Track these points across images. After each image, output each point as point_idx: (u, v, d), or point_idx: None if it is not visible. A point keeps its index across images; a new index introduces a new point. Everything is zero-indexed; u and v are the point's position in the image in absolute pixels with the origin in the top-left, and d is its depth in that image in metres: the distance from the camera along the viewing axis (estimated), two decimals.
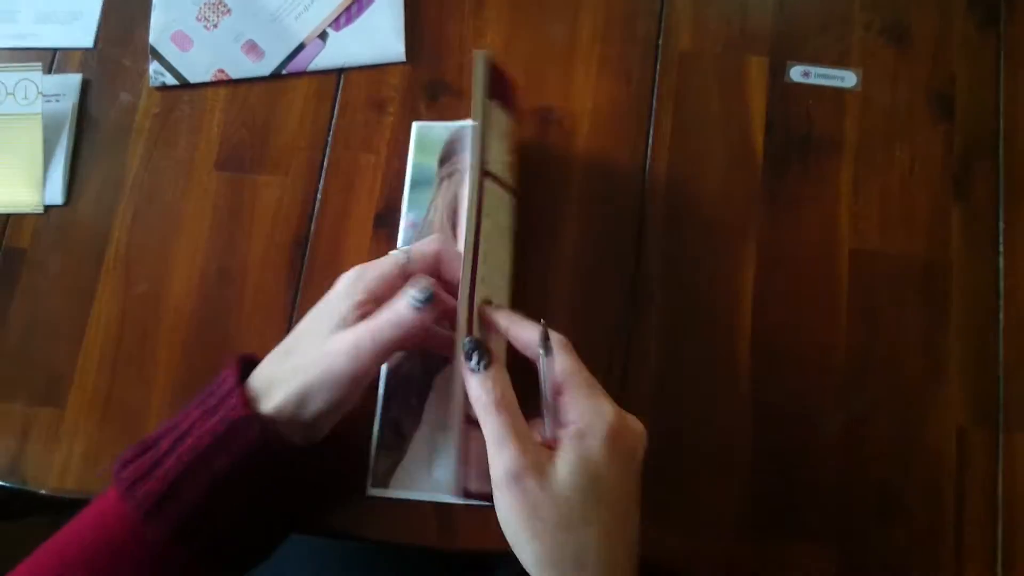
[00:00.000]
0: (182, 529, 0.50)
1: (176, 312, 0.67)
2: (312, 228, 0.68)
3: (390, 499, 0.61)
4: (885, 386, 0.63)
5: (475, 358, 0.49)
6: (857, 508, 0.61)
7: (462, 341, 0.50)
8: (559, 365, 0.50)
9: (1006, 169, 0.66)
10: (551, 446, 0.48)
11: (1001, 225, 0.65)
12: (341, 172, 0.69)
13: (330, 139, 0.70)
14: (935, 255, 0.65)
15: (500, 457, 0.47)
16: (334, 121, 0.70)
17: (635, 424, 0.50)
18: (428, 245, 0.56)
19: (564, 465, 0.47)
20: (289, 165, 0.69)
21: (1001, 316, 0.64)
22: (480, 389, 0.49)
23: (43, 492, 0.64)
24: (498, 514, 0.48)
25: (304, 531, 0.61)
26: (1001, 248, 0.65)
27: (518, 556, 0.48)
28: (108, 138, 0.71)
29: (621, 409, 0.49)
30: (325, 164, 0.69)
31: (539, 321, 0.51)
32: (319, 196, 0.68)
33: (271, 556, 0.58)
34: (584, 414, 0.48)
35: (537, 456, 0.47)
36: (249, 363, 0.55)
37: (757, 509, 0.61)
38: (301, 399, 0.52)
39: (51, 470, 0.64)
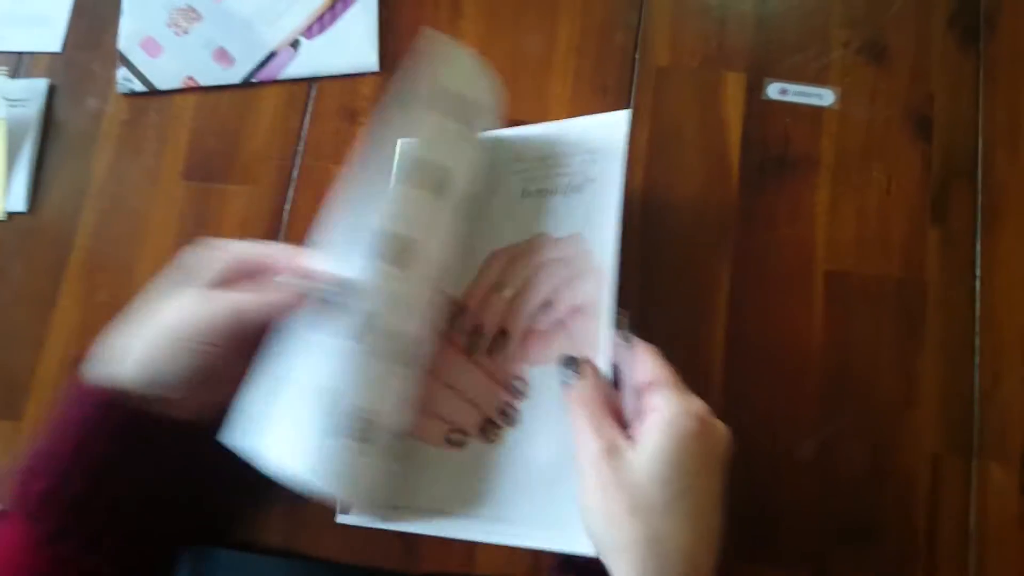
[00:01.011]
0: (71, 527, 0.51)
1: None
2: (281, 239, 0.67)
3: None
4: (859, 410, 0.62)
5: (566, 371, 0.52)
6: (829, 534, 0.60)
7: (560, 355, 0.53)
8: (651, 362, 0.51)
9: (984, 191, 0.66)
10: (635, 437, 0.49)
11: (978, 248, 0.65)
12: (311, 183, 0.68)
13: (300, 149, 0.69)
14: (911, 277, 0.64)
15: (579, 446, 0.49)
16: (305, 131, 0.69)
17: (722, 425, 0.49)
18: (260, 247, 0.55)
19: (644, 451, 0.47)
20: (258, 175, 0.68)
21: (977, 341, 0.63)
22: (570, 395, 0.52)
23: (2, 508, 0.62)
24: (579, 500, 0.49)
25: (255, 550, 0.60)
26: (978, 272, 0.64)
27: (596, 545, 0.48)
28: (74, 144, 0.70)
29: (709, 408, 0.49)
30: (295, 174, 0.68)
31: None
32: (288, 207, 0.67)
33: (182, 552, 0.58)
34: (671, 405, 0.48)
35: (613, 441, 0.48)
36: None
37: (728, 533, 0.60)
38: (170, 351, 0.51)
39: (5, 485, 0.62)
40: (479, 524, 0.55)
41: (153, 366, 0.51)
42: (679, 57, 0.69)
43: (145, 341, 0.52)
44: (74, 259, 0.67)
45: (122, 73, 0.70)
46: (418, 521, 0.56)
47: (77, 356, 0.55)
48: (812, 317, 0.64)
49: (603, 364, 0.52)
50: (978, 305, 0.64)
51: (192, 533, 0.60)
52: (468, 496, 0.56)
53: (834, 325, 0.63)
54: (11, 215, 0.68)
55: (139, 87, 0.70)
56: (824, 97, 0.68)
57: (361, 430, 0.52)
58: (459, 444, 0.57)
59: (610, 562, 0.47)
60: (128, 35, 0.71)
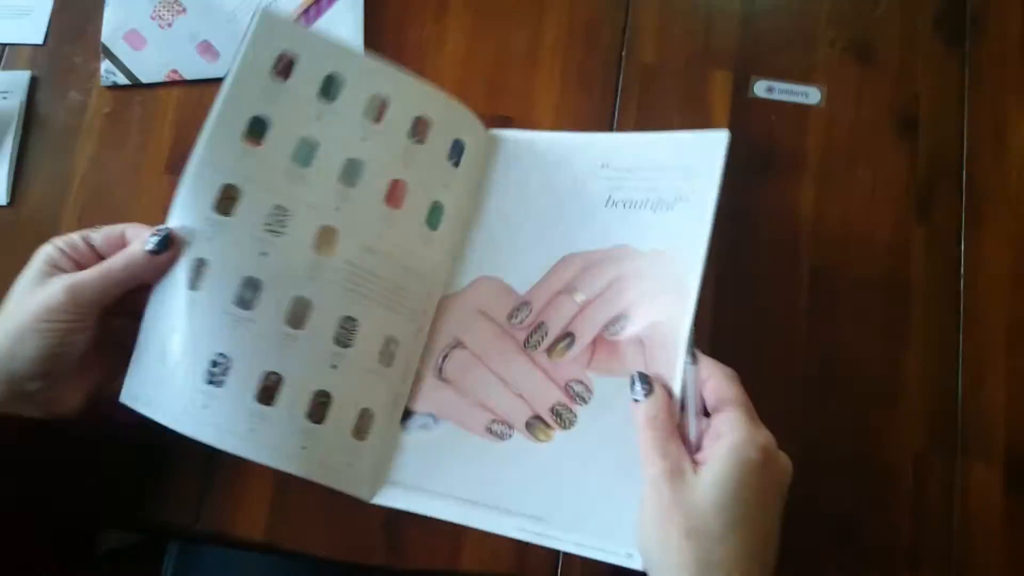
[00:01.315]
0: None
1: None
2: None
3: None
4: (843, 408, 0.62)
5: (637, 388, 0.52)
6: (813, 533, 0.60)
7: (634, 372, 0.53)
8: (724, 385, 0.51)
9: (969, 190, 0.66)
10: (699, 461, 0.49)
11: (963, 246, 0.65)
12: None
13: None
14: (896, 276, 0.64)
15: (644, 464, 0.49)
16: None
17: (785, 459, 0.49)
18: (114, 227, 0.57)
19: (707, 476, 0.47)
20: None
21: (961, 339, 0.63)
22: (639, 413, 0.51)
23: None
24: (638, 517, 0.49)
25: (241, 547, 0.59)
26: (962, 270, 0.64)
27: (646, 563, 0.49)
28: (56, 137, 0.69)
29: (774, 440, 0.49)
30: None
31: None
32: None
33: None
34: (738, 433, 0.48)
35: (678, 464, 0.48)
36: None
37: None
38: (7, 352, 0.51)
39: None
40: (514, 521, 0.54)
41: (4, 362, 0.51)
42: (666, 55, 0.69)
43: (14, 323, 0.52)
44: None
45: (105, 66, 0.70)
46: (453, 509, 0.56)
47: None
48: (797, 315, 0.64)
49: (676, 385, 0.52)
50: (962, 303, 0.64)
51: (98, 518, 0.60)
52: (505, 490, 0.55)
53: (819, 322, 0.64)
54: None
55: (122, 80, 0.70)
56: (810, 96, 0.68)
57: (218, 375, 0.53)
58: (501, 436, 0.57)
59: None
60: (112, 28, 0.70)
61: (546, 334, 0.58)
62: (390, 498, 0.57)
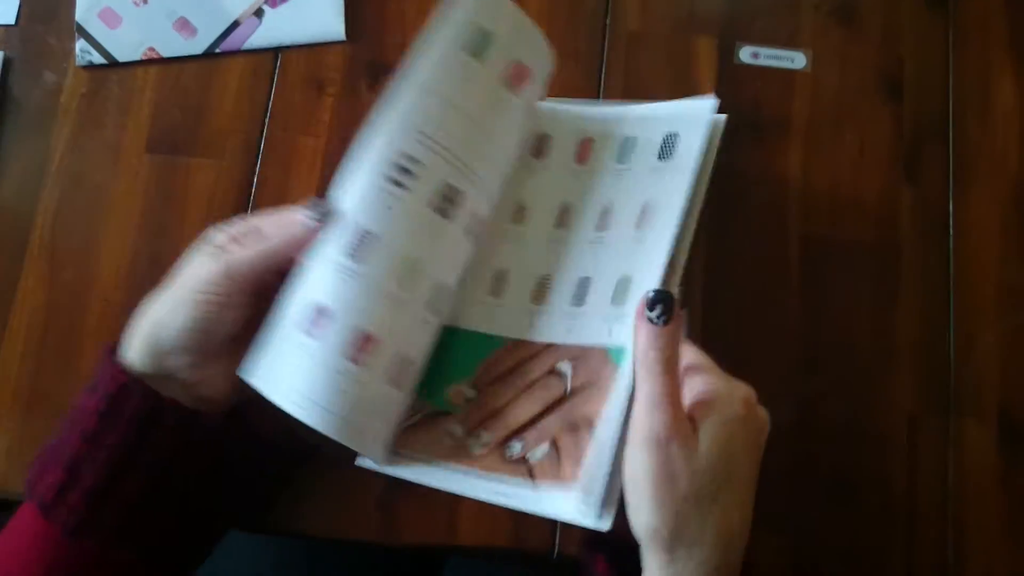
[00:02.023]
0: (89, 520, 0.49)
1: (105, 301, 0.64)
2: (249, 211, 0.65)
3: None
4: (836, 372, 0.62)
5: (658, 309, 0.46)
6: (809, 495, 0.60)
7: (647, 290, 0.47)
8: (690, 353, 0.49)
9: (956, 151, 0.66)
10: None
11: (951, 208, 0.65)
12: (279, 155, 0.66)
13: (267, 120, 0.67)
14: (885, 239, 0.64)
15: (650, 418, 0.45)
16: (271, 102, 0.67)
17: (764, 412, 0.48)
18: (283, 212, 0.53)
19: (706, 439, 0.45)
20: (224, 147, 0.66)
21: (952, 300, 0.63)
22: (652, 344, 0.46)
23: None
24: (625, 475, 0.46)
25: (239, 527, 0.59)
26: (951, 231, 0.64)
27: (632, 520, 0.46)
28: (31, 119, 0.68)
29: (754, 391, 0.48)
30: (262, 146, 0.67)
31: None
32: (256, 180, 0.66)
33: (210, 554, 0.56)
34: (720, 389, 0.47)
35: (685, 424, 0.45)
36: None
37: None
38: (156, 322, 0.50)
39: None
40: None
41: (154, 330, 0.50)
42: (650, 22, 0.69)
43: (150, 309, 0.51)
44: (36, 237, 0.65)
45: (80, 45, 0.68)
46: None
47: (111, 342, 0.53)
48: (788, 280, 0.64)
49: None
50: (952, 264, 0.64)
51: (235, 519, 0.58)
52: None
53: (809, 287, 0.63)
54: None
55: (98, 59, 0.68)
56: (796, 60, 0.68)
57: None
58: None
59: (648, 545, 0.46)
60: (86, 6, 0.69)
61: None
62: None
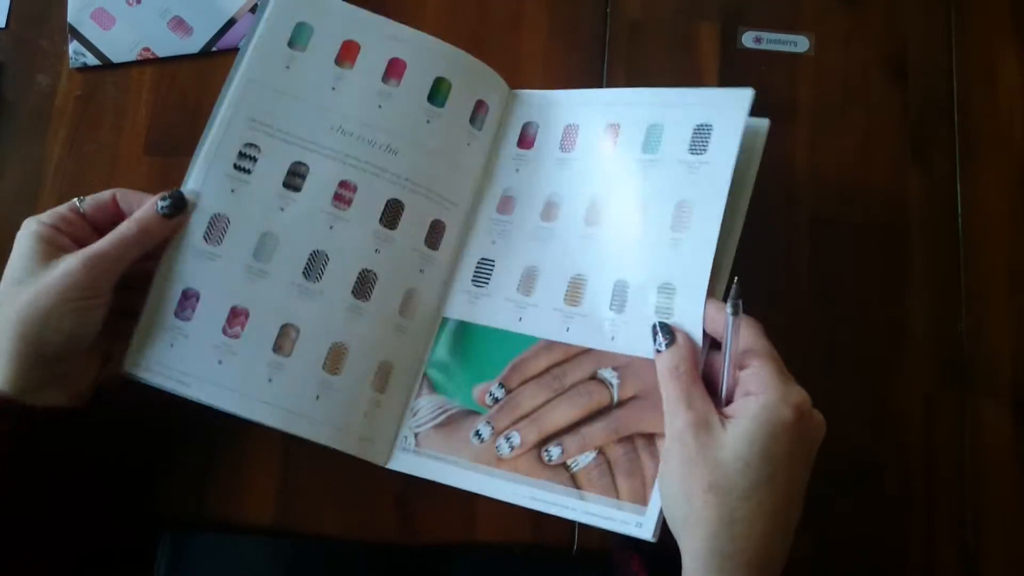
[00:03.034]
0: None
1: None
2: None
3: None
4: (849, 356, 0.62)
5: (658, 338, 0.51)
6: (828, 480, 0.60)
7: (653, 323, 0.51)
8: (751, 338, 0.49)
9: (962, 130, 0.66)
10: (727, 415, 0.47)
11: (959, 187, 0.65)
12: None
13: None
14: (894, 221, 0.64)
15: (671, 418, 0.48)
16: None
17: (819, 417, 0.48)
18: (102, 193, 0.56)
19: (735, 431, 0.45)
20: None
21: (963, 279, 0.63)
22: (661, 363, 0.50)
23: None
24: (661, 468, 0.48)
25: (243, 530, 0.59)
26: (960, 211, 0.64)
27: (668, 519, 0.47)
28: (27, 124, 0.67)
29: (809, 398, 0.47)
30: None
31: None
32: None
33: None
34: (771, 389, 0.46)
35: (705, 416, 0.47)
36: None
37: None
38: (29, 346, 0.51)
39: None
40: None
41: (34, 346, 0.51)
42: (652, 9, 0.68)
43: (24, 321, 0.51)
44: None
45: (74, 47, 0.67)
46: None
47: None
48: (799, 264, 0.64)
49: (698, 333, 0.51)
50: (962, 243, 0.64)
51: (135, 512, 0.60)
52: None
53: (821, 270, 0.63)
54: None
55: (92, 61, 0.67)
56: (799, 44, 0.67)
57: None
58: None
59: (681, 537, 0.46)
60: (78, 7, 0.68)
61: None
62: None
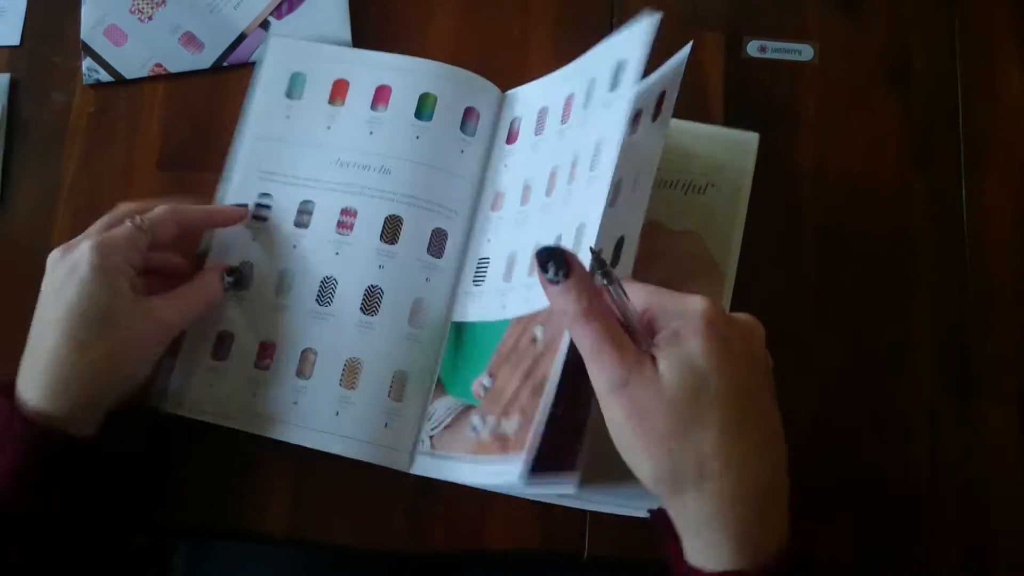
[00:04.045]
0: None
1: None
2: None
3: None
4: (855, 361, 0.63)
5: (551, 269, 0.43)
6: (832, 484, 0.60)
7: (535, 251, 0.44)
8: (638, 289, 0.45)
9: (966, 137, 0.66)
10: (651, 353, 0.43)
11: (964, 192, 0.65)
12: None
13: None
14: (899, 227, 0.65)
15: (600, 368, 0.43)
16: None
17: (740, 316, 0.45)
18: (160, 210, 0.57)
19: (667, 367, 0.42)
20: None
21: (968, 284, 0.64)
22: (563, 301, 0.43)
23: None
24: (609, 429, 0.44)
25: (256, 540, 0.60)
26: (964, 217, 0.65)
27: (635, 472, 0.44)
28: (42, 140, 0.68)
29: (716, 300, 0.44)
30: None
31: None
32: None
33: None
34: (675, 313, 0.43)
35: (639, 359, 0.42)
36: (10, 384, 0.54)
37: None
38: (106, 393, 0.53)
39: None
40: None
41: (96, 393, 0.53)
42: None
43: (106, 374, 0.53)
44: None
45: (87, 64, 0.68)
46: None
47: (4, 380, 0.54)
48: (805, 271, 0.64)
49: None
50: (967, 248, 0.64)
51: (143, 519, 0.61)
52: None
53: (826, 277, 0.64)
54: None
55: (105, 77, 0.68)
56: (803, 52, 0.68)
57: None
58: None
59: (667, 499, 0.44)
60: (90, 24, 0.69)
61: None
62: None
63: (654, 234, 0.58)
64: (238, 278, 0.60)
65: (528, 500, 0.59)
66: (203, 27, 0.69)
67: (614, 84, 0.56)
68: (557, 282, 0.43)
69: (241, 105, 0.66)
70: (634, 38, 0.55)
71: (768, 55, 0.68)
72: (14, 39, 0.70)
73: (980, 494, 0.61)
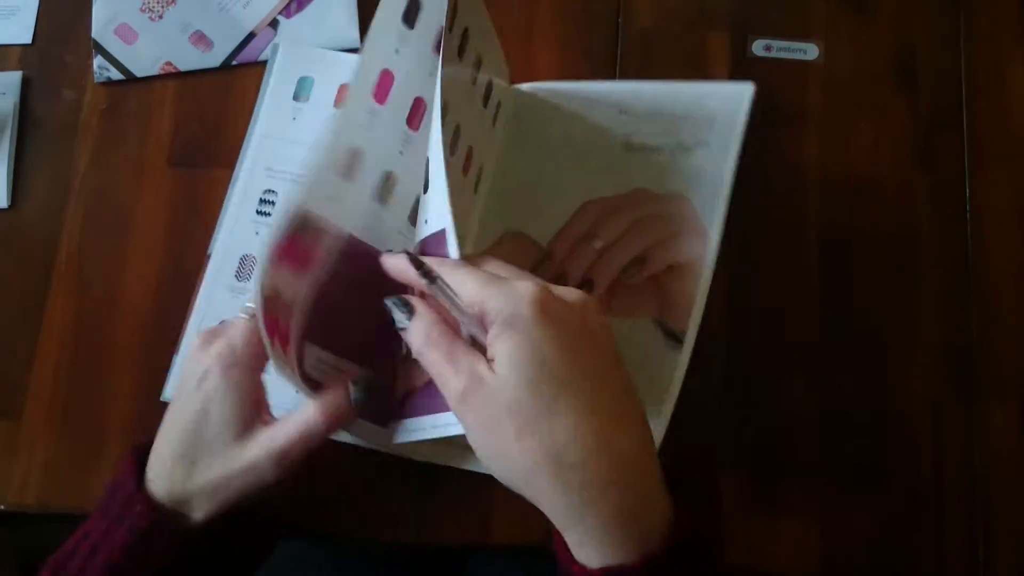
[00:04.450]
0: None
1: (133, 314, 0.64)
2: None
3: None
4: (860, 360, 0.63)
5: (397, 316, 0.45)
6: (837, 482, 0.61)
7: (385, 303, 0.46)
8: (469, 282, 0.44)
9: (971, 136, 0.66)
10: (489, 356, 0.43)
11: (968, 192, 0.65)
12: None
13: None
14: (904, 226, 0.65)
15: (445, 386, 0.43)
16: None
17: (571, 293, 0.44)
18: (237, 338, 0.51)
19: (502, 364, 0.41)
20: None
21: (972, 284, 0.64)
22: (414, 339, 0.45)
23: (1, 507, 0.61)
24: (471, 444, 0.43)
25: (269, 531, 0.60)
26: (969, 216, 0.65)
27: (502, 482, 0.43)
28: (53, 137, 0.68)
29: (545, 283, 0.43)
30: None
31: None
32: None
33: None
34: (500, 302, 0.42)
35: (472, 367, 0.42)
36: (145, 452, 0.52)
37: (743, 486, 0.60)
38: (221, 508, 0.50)
39: (10, 484, 0.62)
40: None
41: (223, 498, 0.50)
42: (662, 19, 0.69)
43: (221, 496, 0.50)
44: (62, 254, 0.66)
45: (98, 62, 0.69)
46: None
47: (136, 446, 0.53)
48: (809, 269, 0.64)
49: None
50: (971, 249, 0.64)
51: None
52: None
53: (830, 276, 0.64)
54: None
55: (116, 75, 0.69)
56: (808, 52, 0.68)
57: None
58: None
59: (532, 499, 0.42)
60: (101, 23, 0.69)
61: (566, 283, 0.58)
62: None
63: (641, 200, 0.59)
64: (367, 389, 0.52)
65: None
66: (213, 26, 0.69)
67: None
68: (406, 326, 0.45)
69: (250, 102, 0.67)
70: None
71: (773, 54, 0.68)
72: (26, 38, 0.70)
73: (983, 493, 0.61)
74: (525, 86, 0.65)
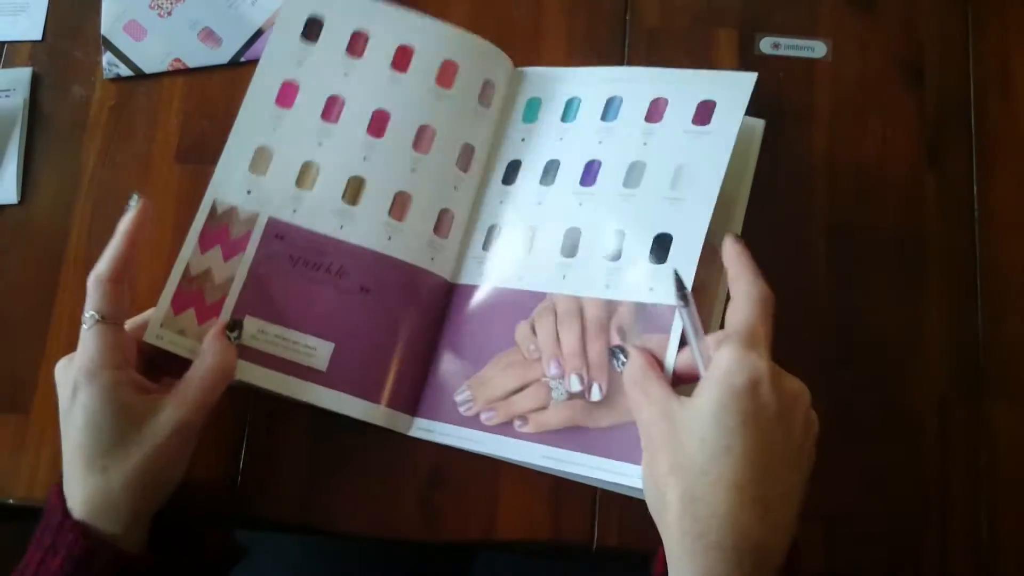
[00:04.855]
0: None
1: (141, 309, 0.64)
2: None
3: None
4: (865, 358, 0.63)
5: (618, 360, 0.53)
6: (840, 483, 0.61)
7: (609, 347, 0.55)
8: (735, 316, 0.49)
9: (979, 134, 0.66)
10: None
11: (975, 191, 0.65)
12: None
13: None
14: (911, 224, 0.65)
15: (637, 416, 0.50)
16: None
17: (792, 383, 0.47)
18: (95, 285, 0.55)
19: (692, 410, 0.46)
20: None
21: (979, 283, 0.64)
22: (625, 379, 0.52)
23: (11, 502, 0.62)
24: (641, 436, 0.50)
25: (278, 529, 0.60)
26: (977, 214, 0.65)
27: (650, 509, 0.49)
28: (62, 133, 0.69)
29: (776, 366, 0.47)
30: None
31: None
32: None
33: None
34: (726, 360, 0.46)
35: (664, 406, 0.48)
36: None
37: None
38: (149, 503, 0.53)
39: (18, 479, 0.62)
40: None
41: (143, 503, 0.53)
42: (669, 17, 0.69)
43: (140, 491, 0.52)
44: (71, 249, 0.66)
45: (107, 58, 0.69)
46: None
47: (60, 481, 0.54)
48: (816, 267, 0.64)
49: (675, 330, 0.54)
50: (978, 247, 0.64)
51: None
52: None
53: (838, 274, 0.64)
54: (3, 208, 0.67)
55: (125, 72, 0.69)
56: (816, 49, 0.68)
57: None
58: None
59: (658, 524, 0.47)
60: (111, 19, 0.70)
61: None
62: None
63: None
64: (239, 331, 0.58)
65: (540, 490, 0.60)
66: (221, 23, 0.70)
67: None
68: (622, 370, 0.53)
69: None
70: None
71: (781, 52, 0.68)
72: (36, 34, 0.71)
73: (989, 492, 0.61)
74: (528, 70, 0.66)
